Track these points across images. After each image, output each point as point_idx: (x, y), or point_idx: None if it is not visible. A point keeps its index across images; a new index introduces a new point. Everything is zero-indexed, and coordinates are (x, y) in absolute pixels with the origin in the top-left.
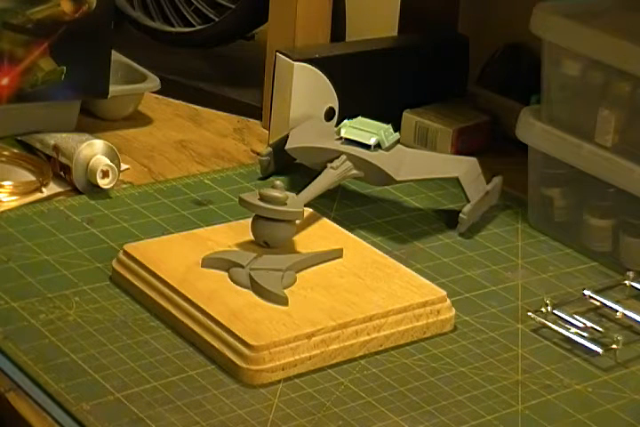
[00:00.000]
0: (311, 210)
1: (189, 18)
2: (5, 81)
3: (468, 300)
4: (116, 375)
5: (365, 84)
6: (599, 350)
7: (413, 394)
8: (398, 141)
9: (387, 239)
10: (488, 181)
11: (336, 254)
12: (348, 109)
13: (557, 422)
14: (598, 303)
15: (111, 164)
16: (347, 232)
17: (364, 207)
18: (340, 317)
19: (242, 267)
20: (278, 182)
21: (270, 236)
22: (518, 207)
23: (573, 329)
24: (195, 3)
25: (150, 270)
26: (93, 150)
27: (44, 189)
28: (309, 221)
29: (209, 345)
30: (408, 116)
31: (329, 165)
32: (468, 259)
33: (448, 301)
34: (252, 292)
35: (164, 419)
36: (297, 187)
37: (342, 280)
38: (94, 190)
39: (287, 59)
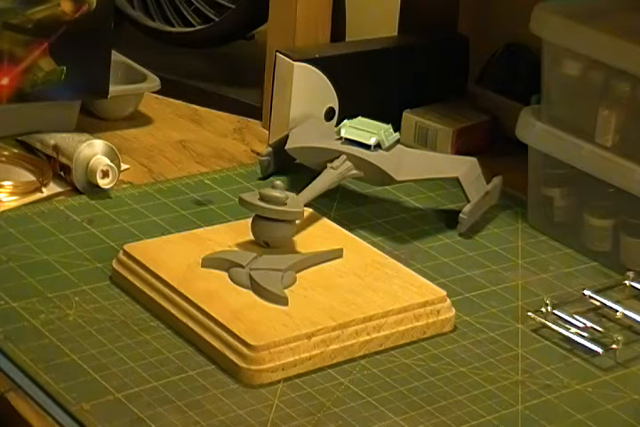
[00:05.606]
0: (311, 210)
1: (189, 18)
2: (5, 81)
3: (468, 300)
4: (116, 375)
5: (365, 84)
6: (599, 350)
7: (413, 394)
8: (398, 141)
9: (387, 239)
10: (488, 181)
11: (336, 254)
12: (347, 109)
13: (557, 423)
14: (598, 303)
15: (111, 164)
16: (347, 232)
17: (364, 207)
18: (340, 317)
19: (242, 267)
20: (278, 182)
21: (270, 236)
22: (518, 207)
23: (573, 329)
24: (195, 3)
25: (150, 270)
26: (93, 150)
27: (44, 189)
28: (309, 221)
29: (209, 345)
30: (408, 116)
31: (329, 165)
32: (467, 259)
33: (448, 301)
34: (251, 292)
35: (164, 419)
36: (297, 187)
37: (342, 280)
38: (94, 190)
39: (287, 59)
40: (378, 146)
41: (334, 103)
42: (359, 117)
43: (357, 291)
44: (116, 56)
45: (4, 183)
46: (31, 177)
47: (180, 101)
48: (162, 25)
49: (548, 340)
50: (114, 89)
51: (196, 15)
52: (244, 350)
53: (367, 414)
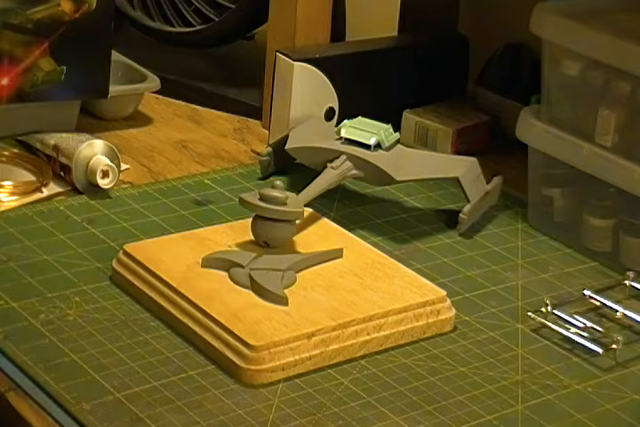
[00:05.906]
0: (311, 210)
1: (189, 18)
2: (5, 81)
3: (468, 300)
4: (116, 375)
5: (365, 84)
6: (599, 350)
7: (413, 394)
8: (398, 141)
9: (387, 239)
10: (488, 181)
11: (336, 254)
12: (347, 109)
13: (557, 422)
14: (598, 303)
15: (111, 164)
16: (347, 232)
17: (364, 207)
18: (340, 317)
19: (242, 267)
20: (278, 182)
21: (270, 236)
22: (518, 207)
23: (573, 329)
24: (195, 3)
25: (150, 270)
26: (93, 150)
27: (44, 189)
28: (309, 221)
29: (209, 345)
30: (408, 116)
31: (329, 165)
32: (467, 259)
33: (448, 301)
34: (251, 292)
35: (164, 419)
36: (297, 187)
37: (342, 280)
38: (94, 190)
39: (287, 59)
40: (378, 146)
41: (334, 103)
42: (359, 117)
43: (357, 291)
44: (116, 56)
45: (4, 183)
46: (31, 177)
47: (180, 101)
48: (162, 25)
49: (548, 340)
50: (114, 89)
51: (196, 15)
52: (244, 350)
53: (367, 414)
